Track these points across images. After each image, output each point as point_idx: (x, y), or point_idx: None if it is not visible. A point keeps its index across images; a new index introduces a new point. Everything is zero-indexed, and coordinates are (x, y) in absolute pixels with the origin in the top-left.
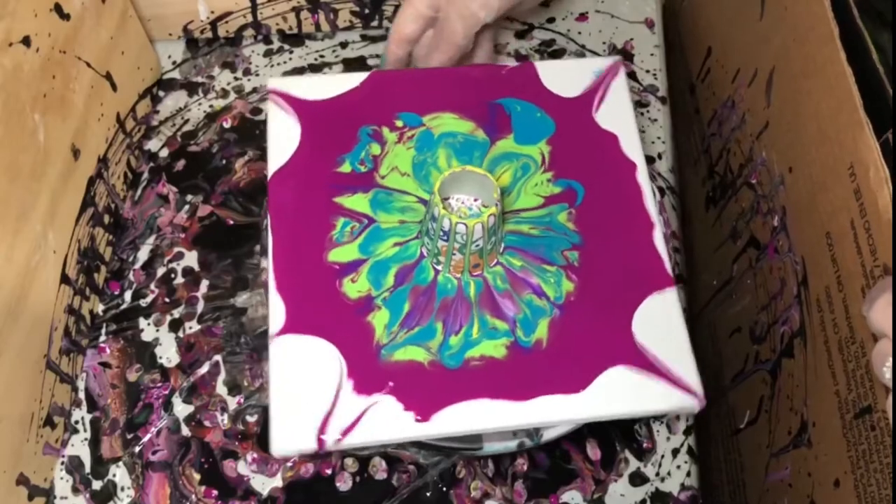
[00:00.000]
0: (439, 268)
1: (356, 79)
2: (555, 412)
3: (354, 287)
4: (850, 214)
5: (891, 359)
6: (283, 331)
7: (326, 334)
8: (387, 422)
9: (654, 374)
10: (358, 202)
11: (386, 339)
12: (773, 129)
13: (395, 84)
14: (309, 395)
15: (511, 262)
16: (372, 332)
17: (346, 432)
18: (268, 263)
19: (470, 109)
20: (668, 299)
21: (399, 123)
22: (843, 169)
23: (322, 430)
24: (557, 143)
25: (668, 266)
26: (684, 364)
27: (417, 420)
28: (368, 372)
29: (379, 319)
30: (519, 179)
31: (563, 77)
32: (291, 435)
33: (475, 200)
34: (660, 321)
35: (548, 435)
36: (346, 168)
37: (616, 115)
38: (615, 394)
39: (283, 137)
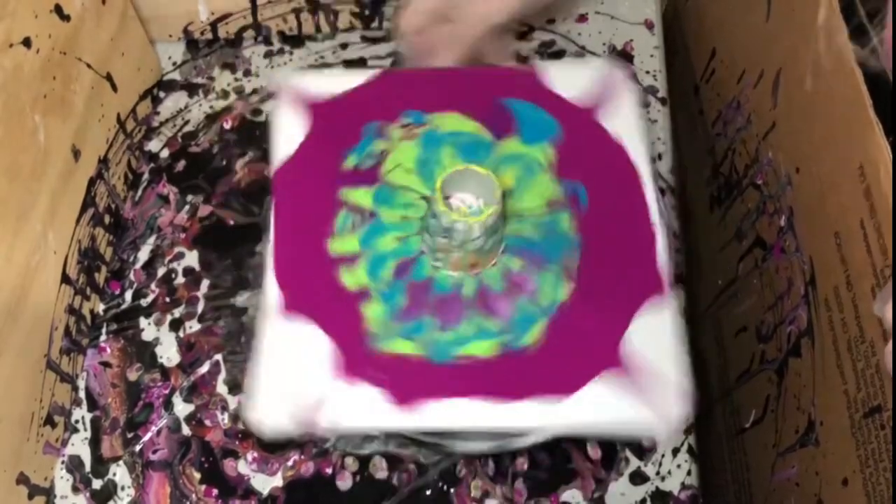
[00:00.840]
0: (438, 265)
1: (363, 76)
2: (534, 418)
3: (353, 278)
4: (859, 214)
5: None
6: (277, 313)
7: (319, 320)
8: (369, 410)
9: (636, 392)
10: (361, 196)
11: (378, 329)
12: (780, 130)
13: (402, 83)
14: (295, 376)
15: (510, 263)
16: (365, 322)
17: (327, 415)
18: (267, 250)
19: (475, 109)
20: (664, 314)
21: (405, 121)
22: (852, 169)
23: (306, 410)
24: (562, 145)
25: (665, 279)
26: (667, 387)
27: (398, 411)
28: (357, 360)
29: (373, 311)
30: (523, 180)
31: (568, 78)
32: (273, 411)
33: (478, 199)
34: (654, 336)
35: (519, 443)
36: (350, 163)
37: (622, 119)
38: (595, 407)
39: (290, 131)
